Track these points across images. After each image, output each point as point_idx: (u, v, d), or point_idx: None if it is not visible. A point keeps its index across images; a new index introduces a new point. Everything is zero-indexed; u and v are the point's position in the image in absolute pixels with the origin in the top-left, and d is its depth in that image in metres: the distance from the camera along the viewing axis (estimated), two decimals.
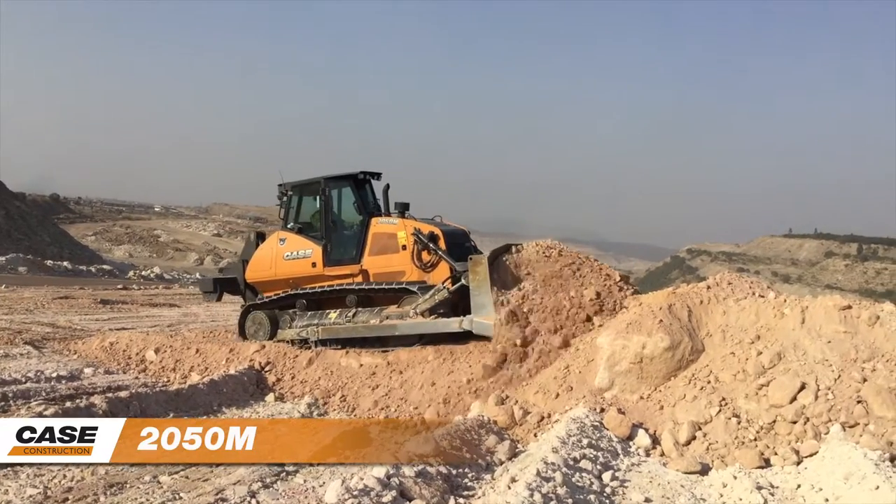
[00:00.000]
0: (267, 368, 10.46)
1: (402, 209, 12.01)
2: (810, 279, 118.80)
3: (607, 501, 5.57)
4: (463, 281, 10.22)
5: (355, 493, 4.68)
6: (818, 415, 6.96)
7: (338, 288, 11.83)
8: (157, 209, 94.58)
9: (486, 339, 9.77)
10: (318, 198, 12.37)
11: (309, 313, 12.12)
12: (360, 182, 12.41)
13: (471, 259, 10.12)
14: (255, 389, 10.02)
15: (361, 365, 10.19)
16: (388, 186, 12.42)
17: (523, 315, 9.44)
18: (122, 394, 8.31)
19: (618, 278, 10.44)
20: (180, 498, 5.68)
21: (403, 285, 11.22)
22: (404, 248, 11.53)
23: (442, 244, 11.28)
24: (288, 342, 11.76)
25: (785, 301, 8.56)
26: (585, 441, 6.68)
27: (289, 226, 12.75)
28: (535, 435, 7.71)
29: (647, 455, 7.08)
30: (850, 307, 8.05)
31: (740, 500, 5.66)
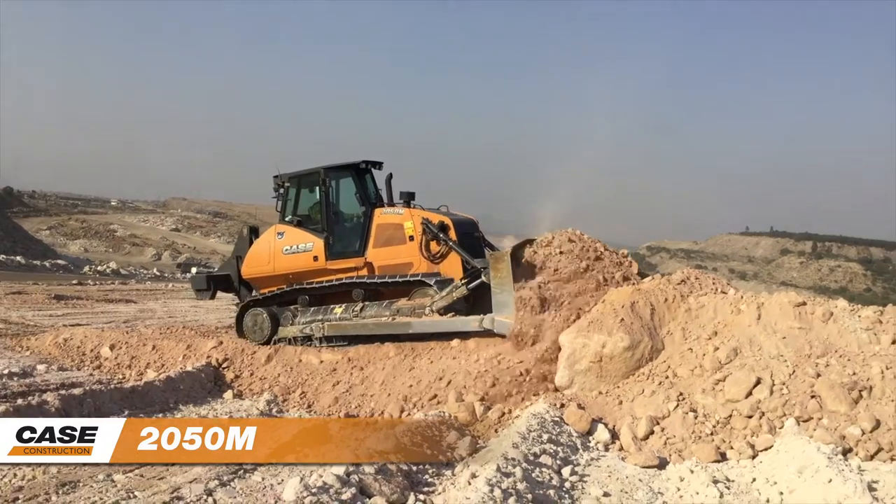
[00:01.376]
0: (225, 365, 10.33)
1: (408, 199, 11.62)
2: (766, 276, 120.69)
3: (566, 496, 5.59)
4: (483, 278, 9.90)
5: (314, 490, 4.63)
6: (773, 409, 7.07)
7: (347, 281, 11.37)
8: (113, 203, 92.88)
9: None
10: (317, 189, 11.95)
11: (312, 309, 11.64)
12: (361, 171, 11.99)
13: (492, 255, 9.87)
14: (213, 386, 9.90)
15: (321, 361, 10.09)
16: (390, 176, 11.99)
17: (538, 314, 9.16)
18: (76, 391, 8.15)
19: (635, 271, 10.30)
20: (135, 496, 5.58)
21: (419, 277, 10.79)
22: (411, 238, 11.14)
23: (452, 234, 10.94)
24: (289, 339, 11.44)
25: (742, 298, 8.67)
26: (545, 436, 6.71)
27: (287, 219, 12.24)
28: (496, 431, 7.72)
29: (606, 450, 7.13)
30: (804, 304, 8.19)
31: (697, 493, 5.72)
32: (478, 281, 10.01)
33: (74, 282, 26.23)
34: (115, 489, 5.74)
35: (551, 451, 6.37)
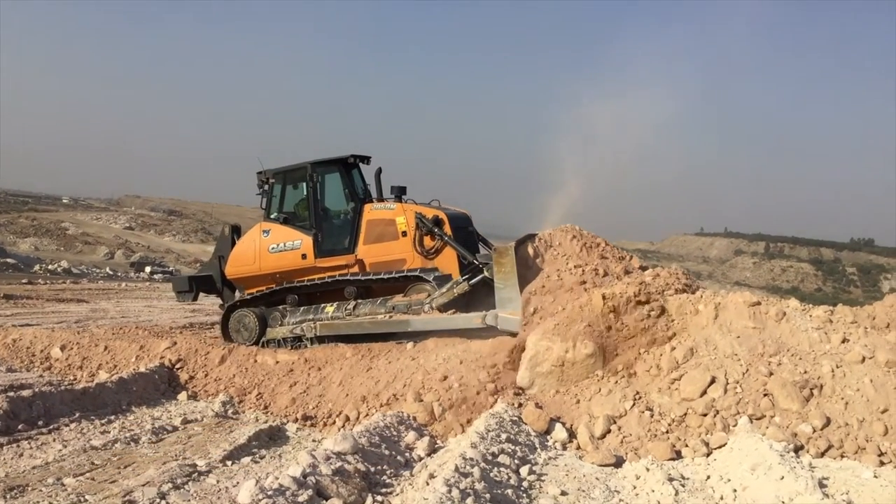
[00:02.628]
0: (179, 366, 10.15)
1: (399, 193, 11.32)
2: (720, 276, 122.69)
3: (525, 495, 5.61)
4: (486, 273, 9.67)
5: (270, 492, 4.57)
6: (727, 408, 7.17)
7: (340, 279, 11.03)
8: (65, 201, 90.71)
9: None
10: (304, 185, 11.59)
11: (302, 308, 11.29)
12: (349, 166, 11.69)
13: (496, 250, 9.60)
14: (167, 388, 9.73)
15: (277, 362, 9.97)
16: (380, 170, 11.63)
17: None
18: (25, 393, 7.96)
19: (637, 265, 10.16)
20: (86, 500, 5.46)
21: (416, 272, 10.48)
22: (404, 234, 10.82)
23: (447, 229, 10.62)
24: (278, 341, 11.09)
25: (701, 297, 8.75)
26: (504, 436, 6.72)
27: (272, 216, 11.86)
28: (454, 431, 7.72)
29: (564, 448, 7.18)
30: (759, 303, 8.31)
31: (653, 491, 5.78)
32: (480, 276, 9.79)
33: (24, 281, 25.57)
34: (66, 493, 5.61)
35: (509, 450, 6.38)
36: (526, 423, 7.41)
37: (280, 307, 11.64)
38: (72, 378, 10.08)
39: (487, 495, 5.06)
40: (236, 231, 12.77)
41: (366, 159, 11.85)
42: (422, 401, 8.19)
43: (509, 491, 5.48)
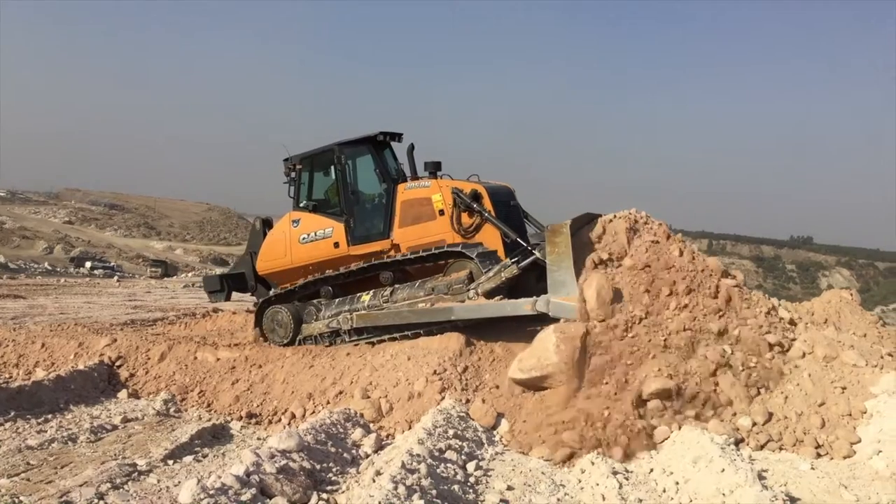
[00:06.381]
0: (119, 363, 9.90)
1: (434, 169, 10.48)
2: None
3: (471, 491, 5.61)
4: (537, 254, 8.79)
5: (212, 492, 4.48)
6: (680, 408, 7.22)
7: (376, 263, 10.16)
8: (1, 194, 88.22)
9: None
10: (332, 168, 10.89)
11: (337, 300, 10.47)
12: (379, 145, 10.89)
13: (549, 228, 8.63)
14: (107, 386, 9.48)
15: (218, 359, 9.79)
16: (412, 147, 10.78)
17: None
18: None
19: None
20: (21, 502, 5.28)
21: (458, 248, 9.50)
22: (441, 213, 10.01)
23: (487, 204, 9.81)
24: (315, 337, 10.50)
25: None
26: (451, 432, 6.72)
27: (301, 205, 11.14)
28: (401, 427, 7.69)
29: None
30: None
31: (597, 485, 5.84)
32: (531, 259, 8.88)
33: None
34: (0, 494, 5.43)
35: (457, 446, 6.39)
36: (473, 419, 7.43)
37: (315, 301, 10.91)
38: (7, 376, 9.75)
39: (434, 491, 5.05)
40: (267, 224, 12.13)
41: (397, 136, 11.07)
42: (369, 397, 8.14)
43: (456, 487, 5.47)
